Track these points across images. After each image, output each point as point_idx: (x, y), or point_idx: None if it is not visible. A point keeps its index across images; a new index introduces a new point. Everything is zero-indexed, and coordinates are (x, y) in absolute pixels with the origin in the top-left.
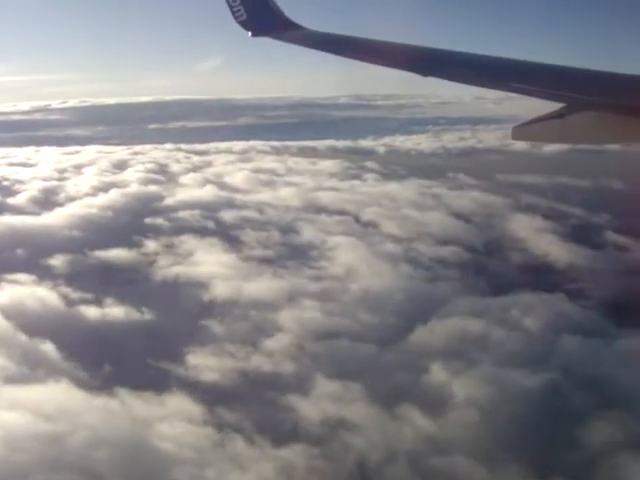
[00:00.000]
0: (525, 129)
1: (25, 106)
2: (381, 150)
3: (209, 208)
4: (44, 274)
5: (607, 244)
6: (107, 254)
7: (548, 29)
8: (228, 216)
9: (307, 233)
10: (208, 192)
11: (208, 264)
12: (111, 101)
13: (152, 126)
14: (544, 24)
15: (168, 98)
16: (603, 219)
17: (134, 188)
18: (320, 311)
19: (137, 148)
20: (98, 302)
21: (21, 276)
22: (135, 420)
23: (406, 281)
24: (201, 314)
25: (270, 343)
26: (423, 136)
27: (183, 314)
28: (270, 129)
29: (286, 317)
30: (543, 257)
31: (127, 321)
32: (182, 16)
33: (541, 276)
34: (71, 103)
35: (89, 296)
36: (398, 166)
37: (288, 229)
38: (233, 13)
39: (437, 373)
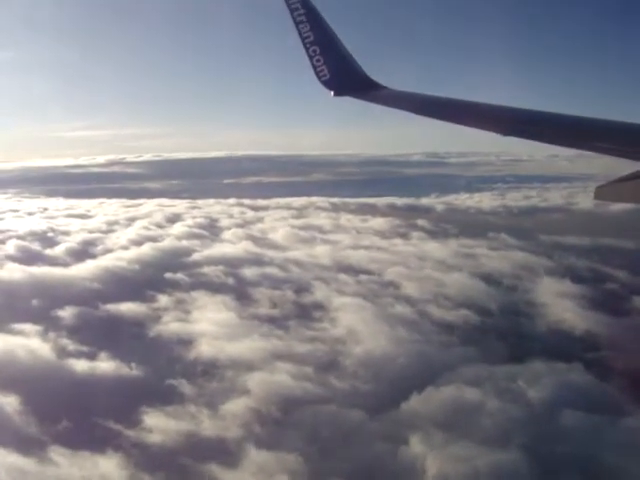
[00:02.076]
0: (609, 189)
1: (102, 159)
2: (439, 208)
3: (234, 264)
4: (50, 325)
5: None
6: (118, 307)
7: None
8: (249, 273)
9: (320, 293)
10: (241, 248)
11: (205, 322)
12: (184, 155)
13: (226, 181)
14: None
15: (240, 153)
16: None
17: (167, 242)
18: (297, 375)
19: (200, 202)
20: (92, 356)
21: (26, 326)
22: None
23: (409, 346)
24: (177, 373)
25: (229, 407)
26: (488, 194)
27: (163, 372)
28: (341, 186)
29: (257, 380)
30: (563, 323)
31: (110, 376)
32: (259, 73)
33: (558, 343)
34: (146, 157)
35: (85, 349)
36: (451, 224)
37: (303, 288)
38: (316, 72)
39: (415, 446)
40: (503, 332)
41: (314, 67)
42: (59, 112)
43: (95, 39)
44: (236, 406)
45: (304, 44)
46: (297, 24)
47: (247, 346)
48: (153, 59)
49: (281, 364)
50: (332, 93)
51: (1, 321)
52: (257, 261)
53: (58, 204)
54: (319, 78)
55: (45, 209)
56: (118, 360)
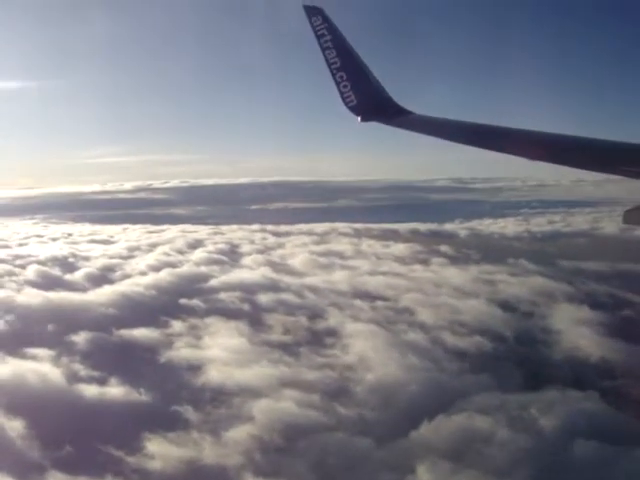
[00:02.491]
0: (638, 213)
1: (129, 185)
2: (463, 234)
3: (250, 290)
4: (64, 350)
5: None
6: (131, 333)
7: None
8: (265, 299)
9: (333, 319)
10: (259, 274)
11: (217, 348)
12: (210, 182)
13: (251, 207)
14: None
15: (266, 179)
16: None
17: (185, 268)
18: (303, 402)
19: (224, 228)
20: (102, 381)
21: (40, 351)
22: None
23: (421, 373)
24: (184, 399)
25: (232, 434)
26: (512, 219)
27: (170, 398)
28: (366, 211)
29: (262, 407)
30: (578, 351)
31: (118, 402)
32: (285, 100)
33: (573, 371)
34: (172, 183)
35: (96, 374)
36: (473, 250)
37: (317, 314)
38: (343, 98)
39: (421, 475)
40: (517, 359)
41: (341, 93)
42: (88, 139)
43: (124, 67)
44: (239, 433)
45: (331, 70)
46: (324, 50)
47: (255, 373)
48: (180, 86)
49: (288, 391)
50: (359, 119)
51: (15, 346)
52: (273, 287)
53: (83, 230)
54: (346, 104)
55: (69, 235)
56: (128, 385)
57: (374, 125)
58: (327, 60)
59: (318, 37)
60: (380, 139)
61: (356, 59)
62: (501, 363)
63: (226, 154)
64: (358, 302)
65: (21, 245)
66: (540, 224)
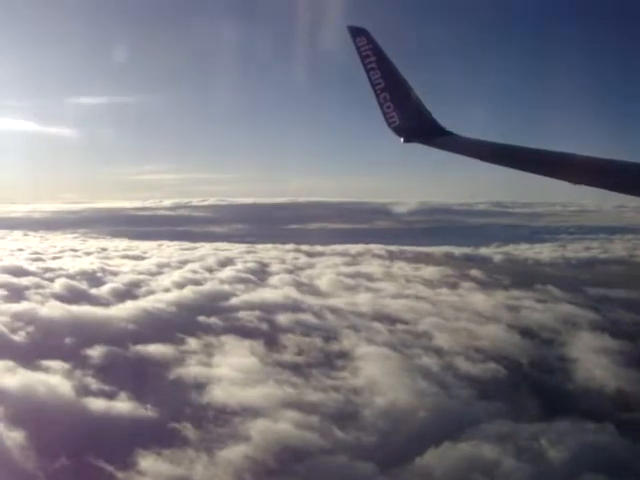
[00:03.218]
0: None
1: (169, 202)
2: (497, 258)
3: (270, 310)
4: (78, 363)
5: None
6: (146, 349)
7: None
8: (283, 319)
9: (348, 341)
10: (282, 294)
11: (226, 366)
12: (248, 200)
13: (289, 226)
14: None
15: (303, 199)
16: None
17: (209, 286)
18: (302, 424)
19: (259, 247)
20: (111, 395)
21: (55, 363)
22: None
23: (431, 399)
24: (185, 416)
25: (226, 453)
26: (549, 245)
27: (172, 414)
28: (404, 234)
29: (260, 428)
30: (595, 381)
31: (123, 417)
32: (324, 120)
33: (589, 402)
34: (211, 201)
35: (107, 388)
36: (504, 275)
37: (333, 336)
38: (386, 119)
39: None
40: (531, 388)
41: (384, 113)
42: (134, 155)
43: (167, 86)
44: (233, 453)
45: (374, 90)
46: (368, 71)
47: (259, 393)
48: (221, 106)
49: (288, 412)
50: (402, 139)
51: (31, 357)
52: (294, 307)
53: (119, 245)
54: (389, 124)
55: (104, 249)
56: (135, 401)
57: (416, 146)
58: (371, 81)
59: (362, 58)
60: (421, 160)
61: (400, 80)
62: (514, 391)
63: (264, 173)
64: (376, 325)
65: (55, 258)
66: (577, 250)
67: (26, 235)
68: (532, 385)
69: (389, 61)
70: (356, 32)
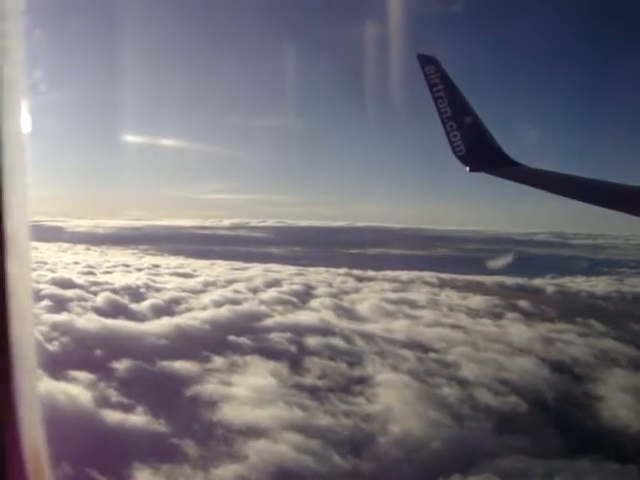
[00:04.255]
0: None
1: (227, 222)
2: (550, 290)
3: (302, 332)
4: (104, 375)
5: None
6: (172, 365)
7: None
8: (313, 342)
9: (372, 367)
10: (319, 317)
11: (244, 386)
12: (306, 223)
13: (347, 250)
14: None
15: (362, 224)
16: None
17: (246, 306)
18: (301, 448)
19: (311, 269)
20: (129, 408)
21: (81, 374)
22: None
23: (446, 430)
24: (191, 433)
25: (220, 472)
26: (605, 278)
27: (179, 430)
28: (462, 262)
29: (259, 448)
30: (621, 420)
31: (134, 430)
32: (386, 147)
33: (613, 443)
34: (270, 222)
35: (126, 401)
36: (553, 307)
37: (358, 361)
38: (452, 147)
39: None
40: (553, 424)
41: (450, 142)
42: (200, 174)
43: (238, 107)
44: (227, 472)
45: (441, 118)
46: (435, 99)
47: (268, 414)
48: (286, 129)
49: (291, 435)
50: (467, 169)
51: (60, 367)
52: (326, 331)
53: (172, 262)
54: (455, 153)
55: (156, 266)
56: (150, 415)
57: (480, 175)
58: (438, 109)
59: (430, 86)
60: (486, 189)
61: (467, 108)
62: (535, 426)
63: (325, 196)
64: (405, 352)
65: (106, 273)
66: (634, 285)
67: (88, 249)
68: (554, 421)
69: (457, 89)
70: (426, 60)
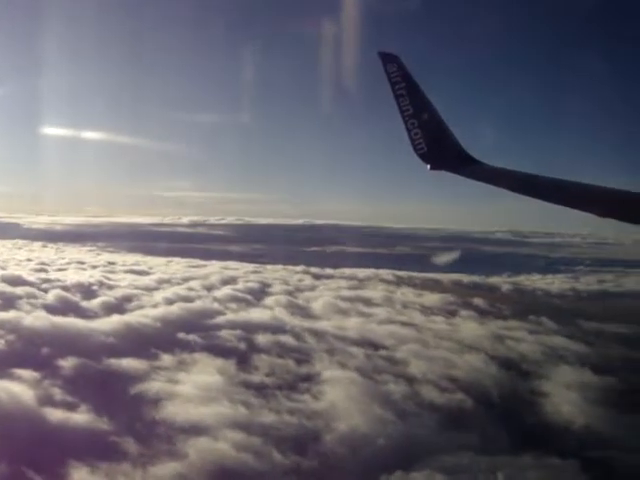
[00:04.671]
0: None
1: (186, 220)
2: (505, 288)
3: (252, 330)
4: (49, 374)
5: None
6: (119, 362)
7: None
8: (263, 339)
9: (320, 365)
10: (271, 315)
11: (189, 384)
12: (265, 221)
13: (310, 248)
14: None
15: (321, 222)
16: None
17: (199, 304)
18: (241, 445)
19: (269, 267)
20: (72, 407)
21: (25, 372)
22: None
23: (390, 427)
24: (132, 431)
25: (158, 470)
26: (561, 276)
27: (120, 428)
28: (420, 260)
29: (199, 446)
30: (565, 416)
31: (75, 428)
32: (346, 145)
33: (556, 438)
34: (228, 220)
35: (70, 399)
36: (507, 305)
37: (306, 359)
38: (414, 146)
39: None
40: (498, 420)
41: (412, 140)
42: (161, 171)
43: (197, 105)
44: (165, 470)
45: (403, 117)
46: (397, 97)
47: (211, 411)
48: (247, 127)
49: (232, 433)
50: (429, 167)
51: (4, 365)
52: (277, 328)
53: (129, 260)
54: (416, 151)
55: (112, 263)
56: (93, 413)
57: (441, 173)
58: (400, 107)
59: (392, 84)
60: (445, 187)
61: (429, 107)
62: (479, 423)
63: (284, 194)
64: (354, 349)
65: (59, 270)
66: (589, 283)
67: (44, 247)
68: (499, 417)
69: (419, 88)
70: (387, 58)
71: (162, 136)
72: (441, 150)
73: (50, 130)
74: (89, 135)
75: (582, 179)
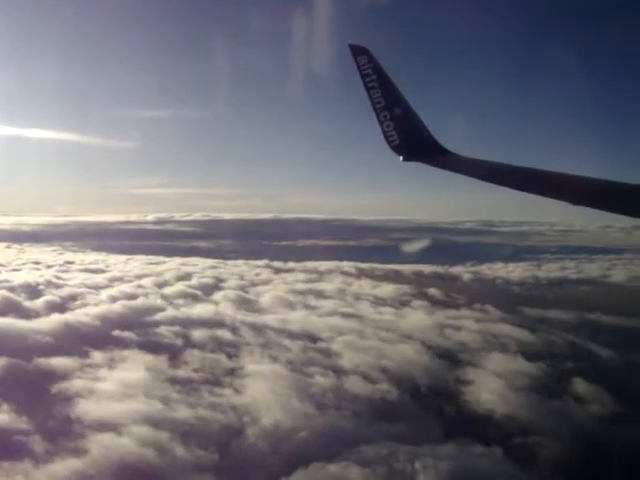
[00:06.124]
0: None
1: (152, 217)
2: (466, 277)
3: (190, 325)
4: None
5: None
6: (49, 362)
7: None
8: (199, 335)
9: (250, 358)
10: (214, 310)
11: (112, 381)
12: (231, 216)
13: (279, 243)
14: None
15: (289, 216)
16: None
17: (141, 301)
18: (147, 441)
19: (229, 262)
20: None
21: None
22: None
23: (312, 419)
24: (41, 428)
25: (58, 467)
26: (524, 264)
27: (33, 427)
28: (388, 251)
29: (102, 442)
30: (486, 404)
31: None
32: (315, 138)
33: (480, 426)
34: (195, 216)
35: None
36: (463, 295)
37: (238, 353)
38: (386, 137)
39: None
40: (423, 410)
41: (384, 132)
42: (129, 169)
43: (166, 102)
44: (64, 466)
45: (375, 109)
46: (368, 89)
47: (126, 407)
48: (215, 122)
49: (140, 428)
50: (401, 158)
51: None
52: (217, 323)
53: (88, 258)
54: (389, 143)
55: (69, 263)
56: (18, 413)
57: (411, 164)
58: (371, 99)
59: (363, 76)
60: (415, 179)
61: (400, 99)
62: (406, 413)
63: (252, 189)
64: (289, 342)
65: (13, 271)
66: (551, 270)
67: (8, 247)
68: (424, 407)
69: (389, 80)
70: (357, 51)
71: (130, 135)
72: (413, 141)
73: (15, 130)
74: (58, 135)
75: (551, 167)
